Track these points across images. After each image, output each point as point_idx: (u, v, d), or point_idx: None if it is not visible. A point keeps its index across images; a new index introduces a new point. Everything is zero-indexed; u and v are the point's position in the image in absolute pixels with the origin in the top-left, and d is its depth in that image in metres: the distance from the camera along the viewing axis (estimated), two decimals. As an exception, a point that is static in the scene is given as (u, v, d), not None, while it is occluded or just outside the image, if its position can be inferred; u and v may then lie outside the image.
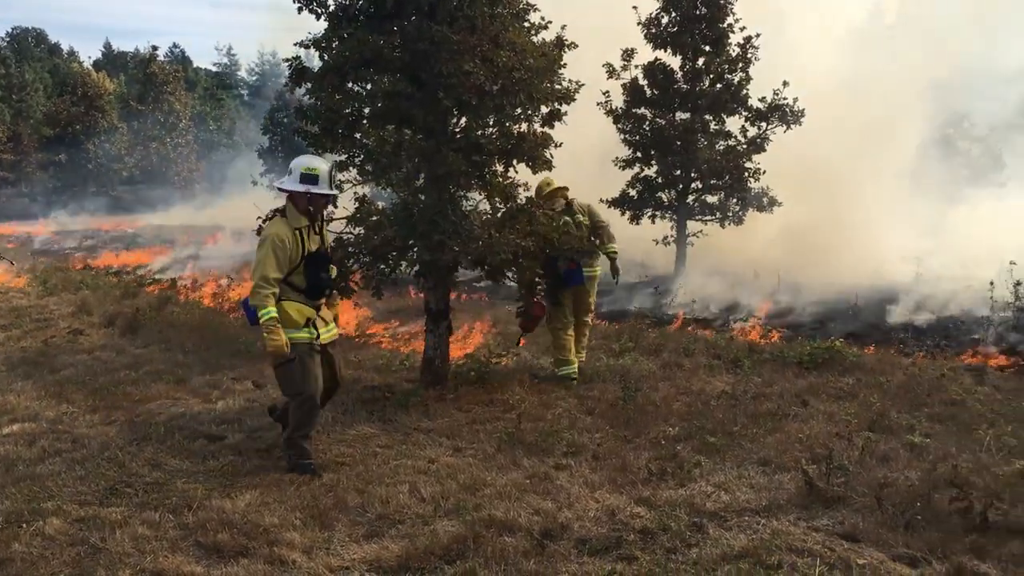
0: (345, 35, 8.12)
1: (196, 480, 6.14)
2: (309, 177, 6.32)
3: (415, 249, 8.25)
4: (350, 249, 8.23)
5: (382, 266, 8.32)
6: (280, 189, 6.42)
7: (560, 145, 8.75)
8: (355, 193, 8.83)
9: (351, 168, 8.79)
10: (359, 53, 7.85)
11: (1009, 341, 12.49)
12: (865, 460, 6.21)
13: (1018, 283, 14.23)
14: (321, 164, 6.43)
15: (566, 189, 9.46)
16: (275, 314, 6.05)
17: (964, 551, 4.62)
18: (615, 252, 9.38)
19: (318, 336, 6.32)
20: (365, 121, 8.56)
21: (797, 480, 5.77)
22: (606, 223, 9.56)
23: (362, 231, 8.38)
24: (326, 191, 6.40)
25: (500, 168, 8.69)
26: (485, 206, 8.91)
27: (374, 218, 8.39)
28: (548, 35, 8.94)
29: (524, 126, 8.79)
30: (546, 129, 8.90)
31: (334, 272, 6.80)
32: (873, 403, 7.76)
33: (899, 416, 7.39)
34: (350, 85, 8.62)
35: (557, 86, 8.85)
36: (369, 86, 8.74)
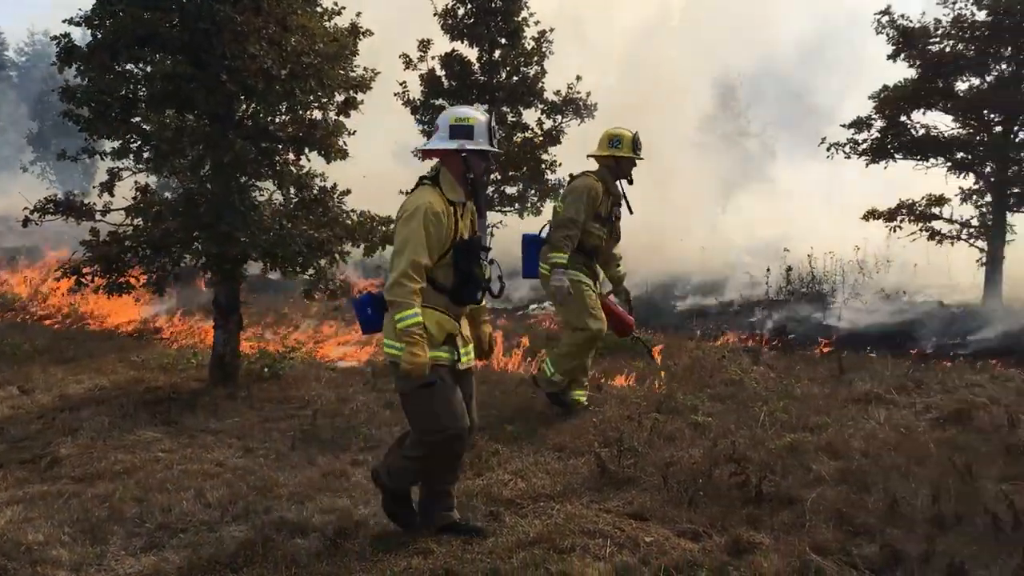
0: (119, 11, 7.56)
1: (-53, 499, 5.52)
2: (461, 129, 4.65)
3: (200, 241, 7.82)
4: (127, 243, 7.68)
5: (164, 260, 7.83)
6: (425, 152, 4.86)
7: (353, 133, 8.56)
8: (136, 182, 8.28)
9: (129, 156, 8.23)
10: (132, 30, 7.32)
11: (781, 323, 13.47)
12: (654, 441, 6.45)
13: (789, 269, 15.40)
14: (476, 113, 4.76)
15: (608, 158, 7.43)
16: (420, 318, 4.43)
17: (741, 523, 4.86)
18: (555, 263, 7.05)
19: (459, 359, 4.71)
20: (143, 104, 8.01)
21: (590, 464, 5.90)
22: (562, 218, 7.18)
23: (141, 222, 7.85)
24: (485, 147, 4.66)
25: (292, 156, 8.40)
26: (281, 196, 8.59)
27: (155, 209, 7.88)
28: (342, 21, 8.74)
29: (319, 114, 8.55)
30: (341, 117, 8.69)
31: (487, 271, 4.83)
32: (661, 385, 8.10)
33: (684, 397, 7.75)
34: (128, 65, 8.06)
35: (352, 73, 8.67)
36: (149, 68, 8.20)
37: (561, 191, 20.31)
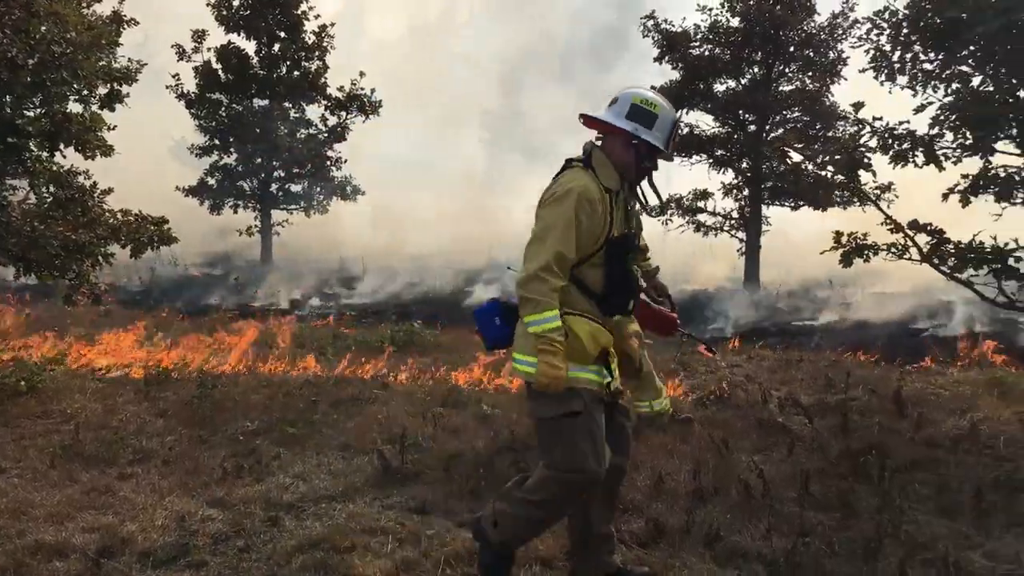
0: None
1: None
2: (642, 113, 3.83)
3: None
4: None
5: None
6: (589, 120, 3.93)
7: (113, 128, 8.07)
8: None
9: None
10: None
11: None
12: (438, 435, 6.51)
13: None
14: (666, 104, 3.91)
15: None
16: (559, 322, 3.60)
17: (520, 508, 5.00)
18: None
19: (611, 381, 3.78)
20: None
21: (374, 462, 5.87)
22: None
23: None
24: (659, 144, 3.85)
25: (46, 153, 7.80)
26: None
27: None
28: (103, 8, 8.24)
29: (80, 107, 8.01)
30: (105, 111, 8.19)
31: (638, 275, 4.00)
32: (446, 380, 8.18)
33: (469, 391, 7.87)
34: None
35: (114, 64, 8.18)
36: None
37: (348, 189, 20.10)
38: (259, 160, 19.16)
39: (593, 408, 3.69)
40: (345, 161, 19.56)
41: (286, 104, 19.13)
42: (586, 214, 3.62)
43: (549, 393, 3.60)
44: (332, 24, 18.89)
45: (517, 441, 5.84)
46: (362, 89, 19.24)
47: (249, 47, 18.90)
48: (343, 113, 19.50)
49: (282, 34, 18.79)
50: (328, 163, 19.43)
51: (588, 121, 3.92)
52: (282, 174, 19.57)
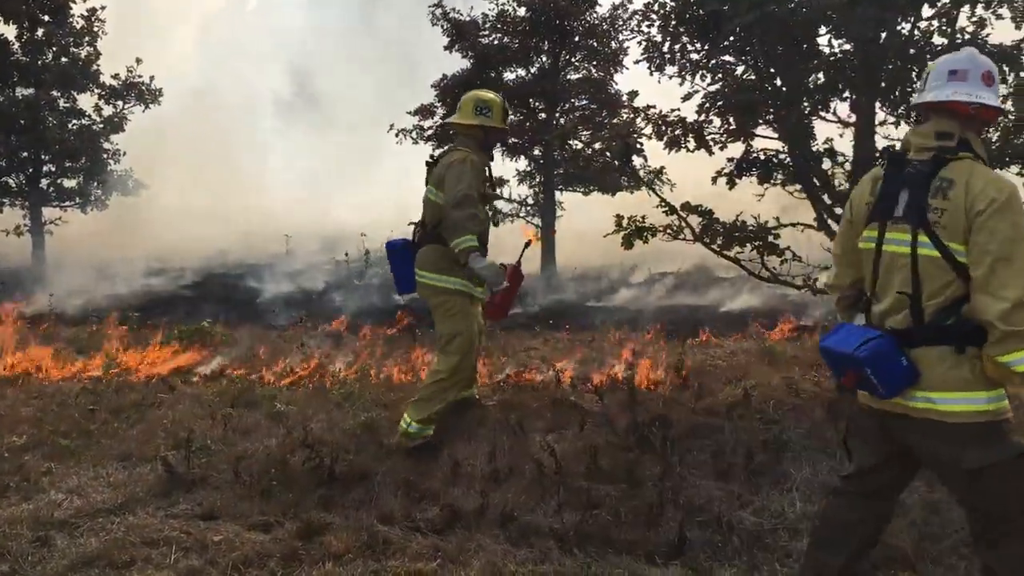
0: None
1: None
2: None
3: None
4: None
5: None
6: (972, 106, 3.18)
7: None
8: None
9: None
10: None
11: (362, 305, 13.85)
12: (228, 436, 6.28)
13: (367, 252, 15.90)
14: None
15: (475, 128, 6.03)
16: None
17: (314, 506, 4.91)
18: (467, 247, 5.66)
19: None
20: None
21: (157, 469, 5.58)
22: (456, 196, 5.66)
23: None
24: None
25: None
26: None
27: None
28: None
29: None
30: None
31: None
32: (236, 380, 7.91)
33: (262, 389, 7.64)
34: None
35: None
36: None
37: (130, 183, 18.96)
38: (25, 154, 17.69)
39: None
40: (124, 154, 18.43)
41: (54, 93, 17.75)
42: None
43: (993, 434, 3.09)
44: (103, 7, 17.70)
45: (312, 437, 5.71)
46: (140, 77, 18.18)
47: (9, 32, 17.39)
48: (119, 103, 18.35)
49: (46, 18, 17.40)
50: (105, 156, 18.20)
51: (971, 107, 3.19)
52: (53, 168, 18.17)
